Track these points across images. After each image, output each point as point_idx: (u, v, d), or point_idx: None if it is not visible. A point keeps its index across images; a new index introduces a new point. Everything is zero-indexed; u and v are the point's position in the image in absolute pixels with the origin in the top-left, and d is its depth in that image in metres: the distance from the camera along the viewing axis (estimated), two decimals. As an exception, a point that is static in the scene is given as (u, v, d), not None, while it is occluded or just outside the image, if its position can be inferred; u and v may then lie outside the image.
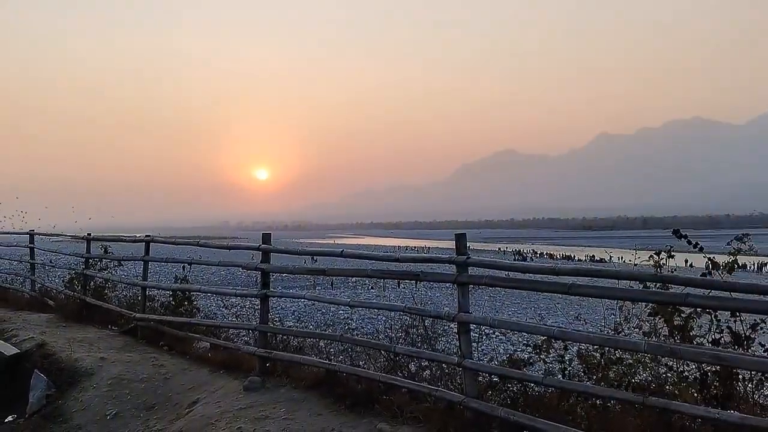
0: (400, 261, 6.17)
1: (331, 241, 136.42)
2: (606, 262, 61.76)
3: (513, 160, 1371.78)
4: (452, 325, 5.98)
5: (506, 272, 5.25)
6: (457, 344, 5.61)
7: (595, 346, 5.22)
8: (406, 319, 7.47)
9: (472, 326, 5.67)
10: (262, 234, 7.80)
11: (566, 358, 5.65)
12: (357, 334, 22.01)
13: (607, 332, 5.26)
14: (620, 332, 5.25)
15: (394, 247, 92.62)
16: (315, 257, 32.69)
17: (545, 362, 5.68)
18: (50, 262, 15.06)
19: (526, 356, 5.90)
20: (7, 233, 17.08)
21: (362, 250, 7.47)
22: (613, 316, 5.53)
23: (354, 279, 39.29)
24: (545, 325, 6.44)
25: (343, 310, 26.77)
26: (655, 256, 5.03)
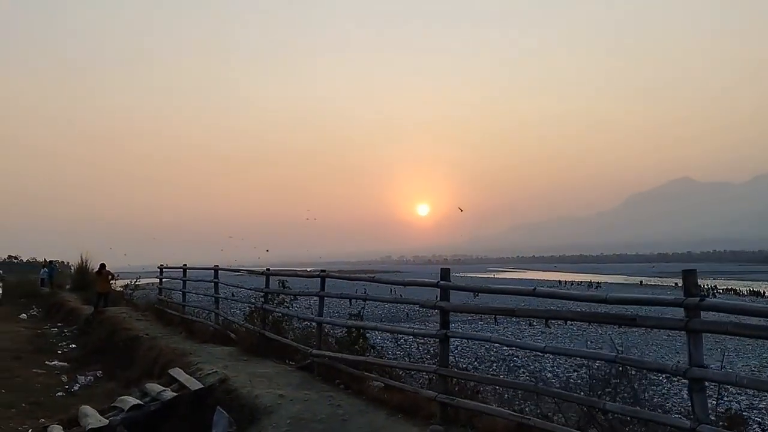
0: (608, 302, 5.28)
1: (492, 276, 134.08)
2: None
3: (689, 189, 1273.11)
4: (662, 377, 5.02)
5: (758, 318, 4.20)
6: (688, 404, 4.66)
7: None
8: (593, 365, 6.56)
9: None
10: (441, 269, 7.28)
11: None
12: (523, 372, 20.72)
13: None
14: None
15: (558, 282, 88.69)
16: (477, 293, 30.84)
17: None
18: (232, 295, 15.67)
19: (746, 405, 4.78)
20: (195, 268, 18.19)
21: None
22: None
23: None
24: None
25: (507, 347, 25.25)
26: None
